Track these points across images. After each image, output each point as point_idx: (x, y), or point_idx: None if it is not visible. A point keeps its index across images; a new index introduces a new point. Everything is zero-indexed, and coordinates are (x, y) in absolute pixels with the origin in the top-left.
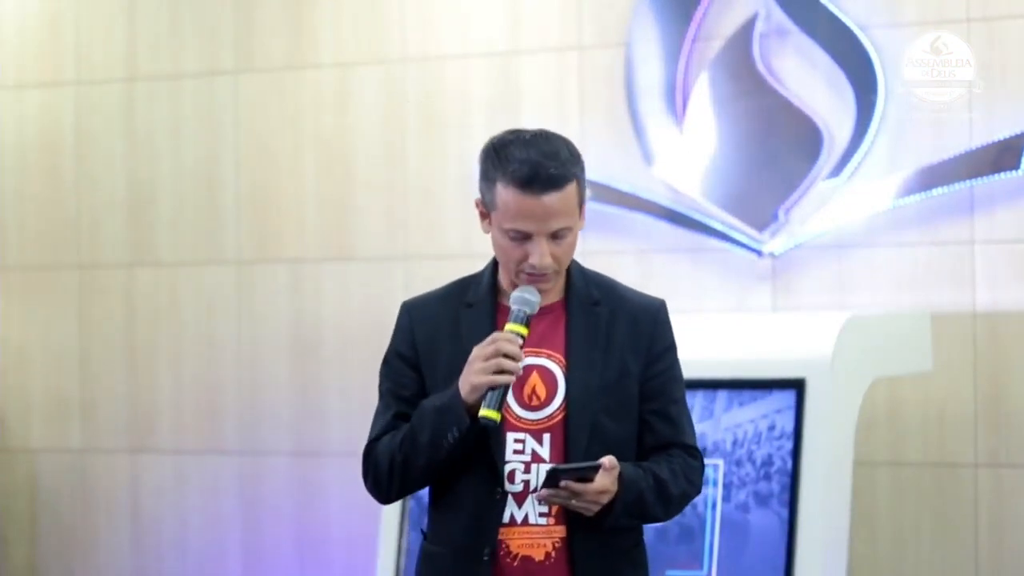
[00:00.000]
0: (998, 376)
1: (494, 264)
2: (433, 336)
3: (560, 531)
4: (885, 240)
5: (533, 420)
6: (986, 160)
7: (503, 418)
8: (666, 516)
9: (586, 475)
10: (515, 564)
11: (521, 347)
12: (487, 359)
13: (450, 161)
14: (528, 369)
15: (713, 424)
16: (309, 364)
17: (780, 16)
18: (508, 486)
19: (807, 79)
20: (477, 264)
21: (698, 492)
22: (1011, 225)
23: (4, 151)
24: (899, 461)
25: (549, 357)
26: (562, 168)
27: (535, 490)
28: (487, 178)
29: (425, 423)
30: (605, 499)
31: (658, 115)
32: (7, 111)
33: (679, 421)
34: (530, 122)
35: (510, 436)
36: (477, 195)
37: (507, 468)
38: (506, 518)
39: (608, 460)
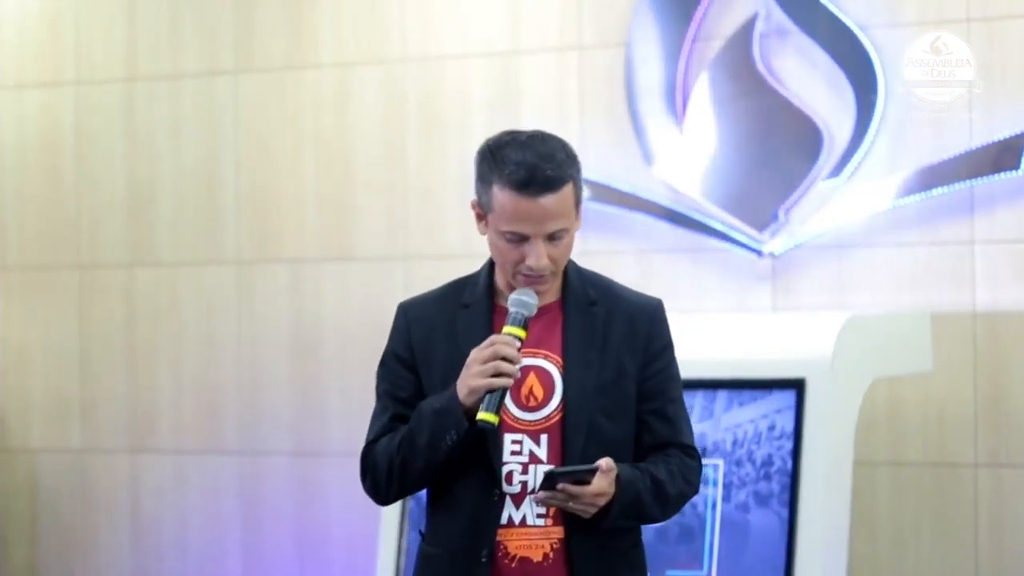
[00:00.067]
0: (998, 376)
1: (490, 265)
2: (429, 337)
3: (558, 532)
4: (885, 240)
5: (530, 421)
6: (986, 160)
7: (500, 420)
8: (664, 517)
9: (583, 478)
10: (513, 565)
11: (519, 350)
12: (485, 362)
13: (450, 161)
14: (525, 370)
15: (713, 424)
16: (309, 364)
17: (780, 16)
18: (506, 487)
19: (807, 79)
20: (477, 264)
21: (696, 492)
22: (1011, 225)
23: (4, 151)
24: (899, 461)
25: (546, 358)
26: (558, 170)
27: (533, 491)
28: (483, 180)
29: (423, 425)
30: (602, 501)
31: (658, 115)
32: (7, 111)
33: (677, 421)
34: (530, 122)
35: (507, 437)
36: (473, 197)
37: (505, 469)
38: (504, 519)
39: (605, 462)
